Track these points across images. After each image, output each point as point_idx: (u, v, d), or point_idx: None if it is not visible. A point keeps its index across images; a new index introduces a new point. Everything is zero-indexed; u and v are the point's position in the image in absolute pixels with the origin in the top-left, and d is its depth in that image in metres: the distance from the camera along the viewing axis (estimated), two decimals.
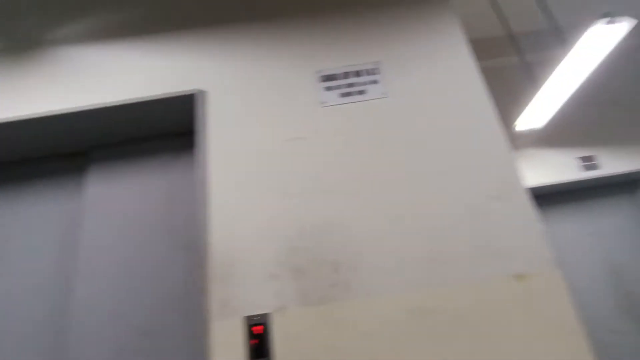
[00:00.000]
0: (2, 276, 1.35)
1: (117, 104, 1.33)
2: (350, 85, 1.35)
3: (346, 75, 1.37)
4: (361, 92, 1.34)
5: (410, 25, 1.46)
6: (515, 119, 2.81)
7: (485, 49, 2.91)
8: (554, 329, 0.98)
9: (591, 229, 2.89)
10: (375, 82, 1.36)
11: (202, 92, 1.36)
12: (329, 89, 1.35)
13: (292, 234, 1.13)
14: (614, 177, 2.89)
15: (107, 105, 1.34)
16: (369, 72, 1.37)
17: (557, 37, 2.90)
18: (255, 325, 1.03)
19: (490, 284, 1.03)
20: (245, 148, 1.27)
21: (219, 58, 1.44)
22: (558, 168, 2.90)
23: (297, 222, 1.14)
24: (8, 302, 1.31)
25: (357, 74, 1.37)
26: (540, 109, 2.61)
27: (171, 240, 1.32)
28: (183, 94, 1.35)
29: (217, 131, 1.30)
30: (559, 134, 2.91)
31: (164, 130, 1.47)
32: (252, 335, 1.02)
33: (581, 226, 2.91)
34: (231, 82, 1.39)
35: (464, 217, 1.12)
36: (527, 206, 1.12)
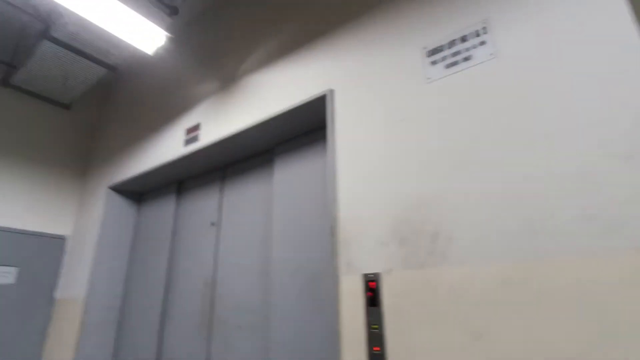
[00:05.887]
0: (234, 234, 2.13)
1: (275, 114, 1.81)
2: (456, 53, 1.32)
3: (452, 43, 1.34)
4: (467, 59, 1.29)
5: None
6: None
7: None
8: None
9: None
10: (483, 43, 1.27)
11: (331, 91, 1.65)
12: (434, 63, 1.37)
13: (399, 209, 1.30)
14: None
15: (271, 116, 1.84)
16: (477, 34, 1.29)
17: None
18: (370, 281, 1.29)
19: (594, 259, 0.90)
20: (362, 134, 1.48)
21: (341, 58, 1.68)
22: None
23: (403, 198, 1.30)
24: (237, 252, 2.07)
25: (463, 39, 1.31)
26: None
27: (317, 214, 1.72)
28: (318, 95, 1.68)
29: (342, 121, 1.57)
30: None
31: (312, 126, 1.87)
32: (368, 288, 1.29)
33: None
34: (351, 77, 1.61)
35: (573, 182, 0.98)
36: None
